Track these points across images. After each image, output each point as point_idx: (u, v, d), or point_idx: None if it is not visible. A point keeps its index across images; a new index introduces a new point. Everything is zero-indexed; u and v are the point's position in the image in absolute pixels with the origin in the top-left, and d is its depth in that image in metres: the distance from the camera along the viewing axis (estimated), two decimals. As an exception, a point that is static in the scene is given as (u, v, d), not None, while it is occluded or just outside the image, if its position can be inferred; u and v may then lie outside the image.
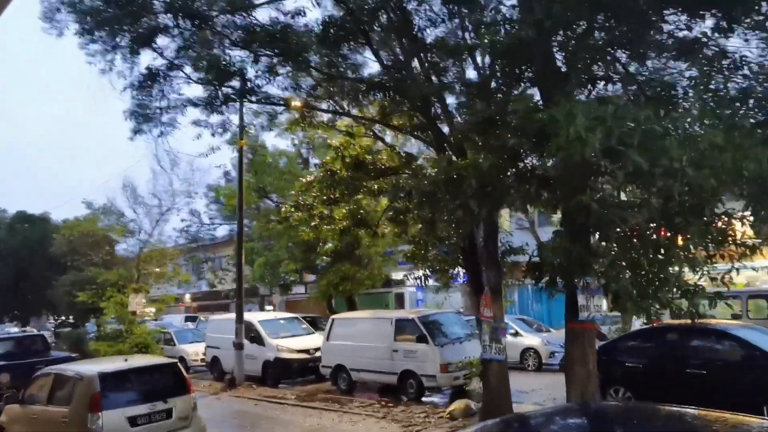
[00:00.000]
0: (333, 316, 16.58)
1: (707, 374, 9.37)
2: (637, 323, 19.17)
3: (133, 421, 8.31)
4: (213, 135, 14.12)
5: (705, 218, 7.37)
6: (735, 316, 12.37)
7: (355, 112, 13.03)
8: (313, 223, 12.82)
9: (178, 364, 9.36)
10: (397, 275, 30.30)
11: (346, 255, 25.90)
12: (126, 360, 9.17)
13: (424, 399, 13.73)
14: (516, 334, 18.41)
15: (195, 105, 13.23)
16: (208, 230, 37.03)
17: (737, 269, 8.35)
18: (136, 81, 12.49)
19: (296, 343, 17.61)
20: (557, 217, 17.91)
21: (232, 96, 11.74)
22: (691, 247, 7.62)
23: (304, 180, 13.11)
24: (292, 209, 12.97)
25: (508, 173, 8.00)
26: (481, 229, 11.69)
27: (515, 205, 8.44)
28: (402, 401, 13.75)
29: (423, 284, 12.29)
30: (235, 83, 12.23)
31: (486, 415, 10.49)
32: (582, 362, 9.40)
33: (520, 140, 7.77)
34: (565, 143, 6.77)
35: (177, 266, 24.01)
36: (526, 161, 8.49)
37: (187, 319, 35.61)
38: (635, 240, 7.82)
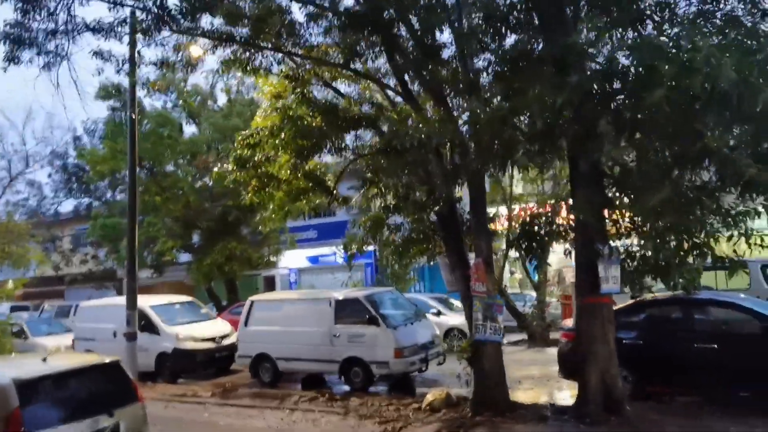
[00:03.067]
0: (252, 298, 14.31)
1: (719, 348, 8.82)
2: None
3: (69, 445, 5.84)
4: (118, 72, 11.30)
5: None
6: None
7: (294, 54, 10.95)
8: (253, 183, 10.51)
9: (121, 363, 6.89)
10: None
11: (229, 231, 23.42)
12: (45, 360, 6.53)
13: (371, 389, 12.13)
14: (438, 313, 17.44)
15: (95, 31, 10.41)
16: (51, 204, 31.96)
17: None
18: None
19: (199, 330, 15.10)
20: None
21: (167, 19, 9.16)
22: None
23: (245, 132, 10.65)
24: (233, 167, 10.50)
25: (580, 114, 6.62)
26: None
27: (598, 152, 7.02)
28: (338, 392, 12.07)
29: (394, 259, 10.66)
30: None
31: (479, 405, 9.21)
32: (603, 339, 8.44)
33: (590, 77, 6.45)
34: (684, 74, 5.56)
35: (26, 246, 19.83)
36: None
37: (15, 308, 30.24)
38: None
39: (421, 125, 7.74)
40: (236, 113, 22.15)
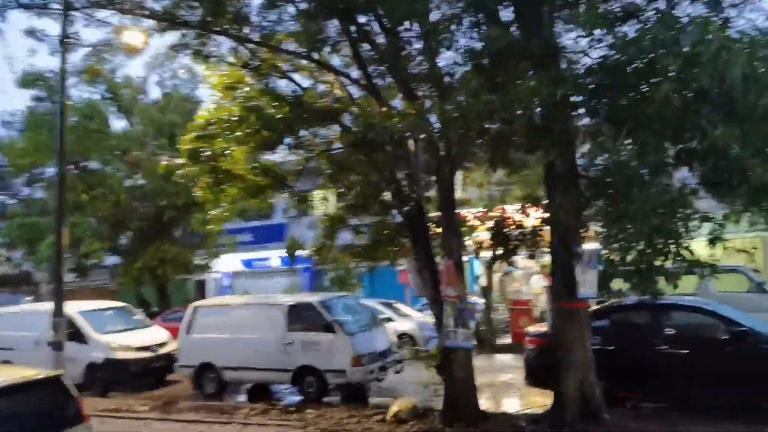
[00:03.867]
0: (195, 304, 13.34)
1: (689, 354, 8.73)
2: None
3: (3, 478, 4.95)
4: (53, 54, 10.21)
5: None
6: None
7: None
8: (204, 179, 9.66)
9: (62, 378, 5.99)
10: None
11: (163, 233, 22.17)
12: (-28, 375, 5.56)
13: (325, 400, 11.45)
14: (388, 319, 16.92)
15: (27, 7, 9.41)
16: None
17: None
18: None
19: (134, 338, 13.95)
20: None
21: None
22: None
23: (197, 122, 9.70)
24: (185, 161, 9.56)
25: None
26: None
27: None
28: (289, 403, 11.38)
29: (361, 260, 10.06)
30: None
31: (450, 416, 8.77)
32: (580, 345, 8.19)
33: (589, 70, 6.13)
34: (689, 68, 5.31)
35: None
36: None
37: None
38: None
39: (396, 119, 7.20)
40: (173, 107, 20.96)
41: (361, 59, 9.72)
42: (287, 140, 9.13)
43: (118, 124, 24.57)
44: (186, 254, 21.92)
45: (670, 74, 5.43)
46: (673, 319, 9.27)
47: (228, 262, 30.14)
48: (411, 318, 17.42)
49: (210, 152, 9.46)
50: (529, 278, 22.77)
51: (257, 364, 11.83)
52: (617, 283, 8.92)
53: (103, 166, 21.29)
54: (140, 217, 21.45)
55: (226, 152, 9.56)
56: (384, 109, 8.68)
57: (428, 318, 18.01)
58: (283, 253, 26.84)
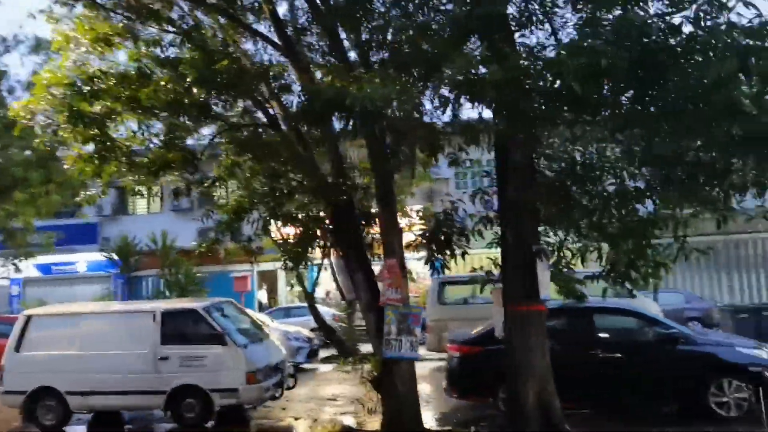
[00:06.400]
0: (28, 312, 10.45)
1: (620, 357, 8.63)
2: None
3: None
4: None
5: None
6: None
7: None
8: (79, 151, 7.38)
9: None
10: None
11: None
12: None
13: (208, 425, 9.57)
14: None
15: None
16: None
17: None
18: None
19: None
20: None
21: None
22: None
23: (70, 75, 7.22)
24: (63, 122, 7.00)
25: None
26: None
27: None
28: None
29: (286, 264, 8.47)
30: None
31: (391, 436, 7.65)
32: (540, 352, 7.59)
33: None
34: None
35: None
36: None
37: None
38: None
39: (378, 85, 5.98)
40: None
41: (279, 20, 8.34)
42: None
43: None
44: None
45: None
46: (599, 322, 9.14)
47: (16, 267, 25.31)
48: (272, 327, 15.78)
49: (96, 115, 7.22)
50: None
51: (118, 387, 9.52)
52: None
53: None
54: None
55: (112, 116, 7.41)
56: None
57: (291, 327, 16.71)
58: (93, 256, 23.47)
